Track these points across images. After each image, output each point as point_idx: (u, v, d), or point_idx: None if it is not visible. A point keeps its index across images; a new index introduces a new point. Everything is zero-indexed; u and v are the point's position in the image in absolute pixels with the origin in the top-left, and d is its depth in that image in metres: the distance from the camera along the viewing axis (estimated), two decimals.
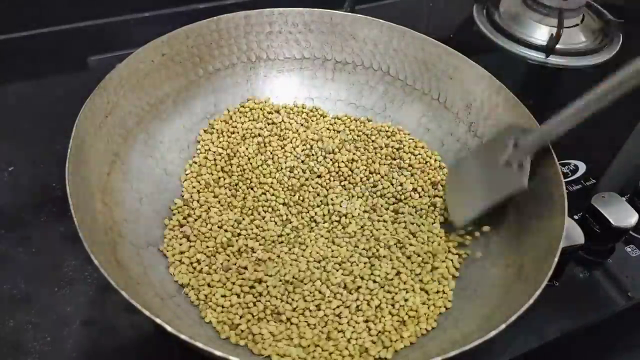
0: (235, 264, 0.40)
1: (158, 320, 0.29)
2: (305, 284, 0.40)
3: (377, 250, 0.42)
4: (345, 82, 0.52)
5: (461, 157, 0.47)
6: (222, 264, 0.40)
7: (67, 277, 0.41)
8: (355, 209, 0.45)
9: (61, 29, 0.61)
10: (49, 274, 0.42)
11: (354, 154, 0.48)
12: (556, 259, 0.33)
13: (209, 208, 0.43)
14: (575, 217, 0.46)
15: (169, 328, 0.29)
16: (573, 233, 0.42)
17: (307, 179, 0.47)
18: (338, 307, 0.38)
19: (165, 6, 0.65)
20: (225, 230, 0.42)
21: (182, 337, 0.28)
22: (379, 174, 0.47)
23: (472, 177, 0.44)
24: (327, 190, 0.46)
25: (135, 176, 0.42)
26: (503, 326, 0.30)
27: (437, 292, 0.40)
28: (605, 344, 0.43)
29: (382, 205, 0.45)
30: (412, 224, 0.44)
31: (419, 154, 0.48)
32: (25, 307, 0.39)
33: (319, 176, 0.47)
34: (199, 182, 0.45)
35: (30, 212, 0.45)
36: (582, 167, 0.53)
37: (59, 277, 0.41)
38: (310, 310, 0.38)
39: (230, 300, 0.38)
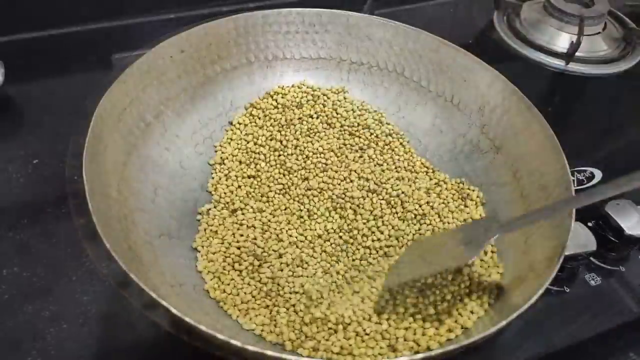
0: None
1: (164, 303, 0.29)
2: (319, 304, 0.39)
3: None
4: (360, 83, 0.52)
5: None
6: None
7: (85, 267, 0.42)
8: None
9: (87, 28, 0.63)
10: (68, 264, 0.42)
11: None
12: (561, 260, 0.33)
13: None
14: (589, 224, 0.45)
15: (174, 311, 0.29)
16: (585, 239, 0.42)
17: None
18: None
19: (189, 8, 0.67)
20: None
21: (187, 320, 0.29)
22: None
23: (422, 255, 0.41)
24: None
25: (151, 168, 0.43)
26: (504, 323, 0.30)
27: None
28: (616, 353, 0.42)
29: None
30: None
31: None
32: (44, 295, 0.40)
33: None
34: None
35: (52, 204, 0.46)
36: (598, 175, 0.52)
37: (78, 268, 0.42)
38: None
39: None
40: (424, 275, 0.39)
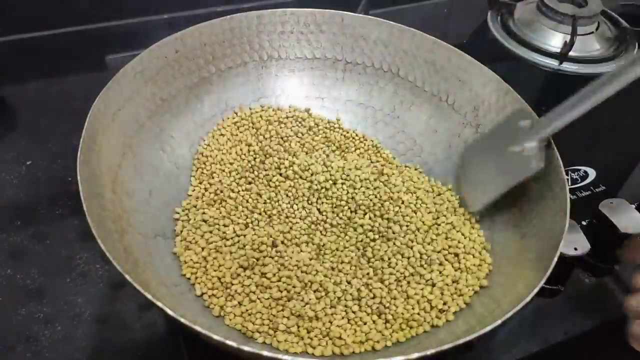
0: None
1: (159, 304, 0.29)
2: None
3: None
4: (356, 83, 0.52)
5: (469, 144, 0.47)
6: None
7: (80, 269, 0.42)
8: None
9: (81, 29, 0.63)
10: (62, 266, 0.42)
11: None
12: (555, 258, 0.33)
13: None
14: (584, 222, 0.45)
15: (169, 312, 0.29)
16: (579, 238, 0.42)
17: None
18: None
19: (183, 9, 0.67)
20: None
21: (183, 320, 0.29)
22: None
23: (483, 163, 0.45)
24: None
25: (146, 169, 0.43)
26: (499, 321, 0.30)
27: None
28: (610, 350, 0.42)
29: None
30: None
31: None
32: (38, 298, 0.40)
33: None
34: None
35: (45, 206, 0.47)
36: (592, 174, 0.52)
37: (72, 270, 0.42)
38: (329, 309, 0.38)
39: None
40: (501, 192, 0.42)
